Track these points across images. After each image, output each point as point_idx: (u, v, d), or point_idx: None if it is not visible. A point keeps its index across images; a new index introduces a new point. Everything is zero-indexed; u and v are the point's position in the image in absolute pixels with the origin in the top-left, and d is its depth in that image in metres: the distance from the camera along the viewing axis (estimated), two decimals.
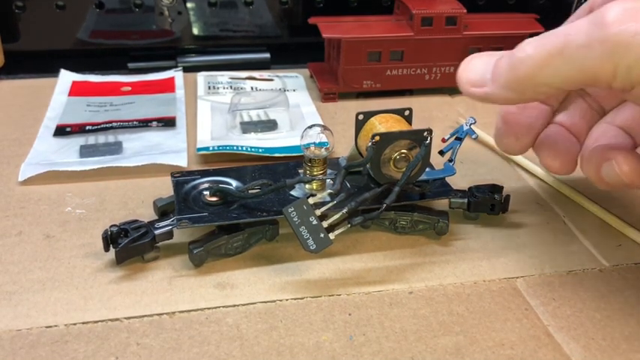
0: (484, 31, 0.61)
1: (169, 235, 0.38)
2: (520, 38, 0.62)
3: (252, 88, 0.62)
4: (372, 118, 0.40)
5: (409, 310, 0.35)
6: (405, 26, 0.60)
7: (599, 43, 0.27)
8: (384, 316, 0.34)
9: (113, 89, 0.60)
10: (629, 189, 0.37)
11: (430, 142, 0.38)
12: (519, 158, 0.50)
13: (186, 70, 0.65)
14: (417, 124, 0.41)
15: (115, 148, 0.50)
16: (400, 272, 0.38)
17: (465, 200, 0.42)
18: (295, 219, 0.35)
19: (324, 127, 0.41)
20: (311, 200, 0.36)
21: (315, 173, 0.41)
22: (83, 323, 0.33)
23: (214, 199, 0.39)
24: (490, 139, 0.53)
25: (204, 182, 0.41)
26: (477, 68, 0.33)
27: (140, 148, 0.50)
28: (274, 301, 0.35)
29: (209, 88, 0.61)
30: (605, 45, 0.26)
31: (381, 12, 0.65)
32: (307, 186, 0.41)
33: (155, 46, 0.70)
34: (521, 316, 0.35)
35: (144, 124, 0.54)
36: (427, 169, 0.40)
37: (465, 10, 0.59)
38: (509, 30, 0.62)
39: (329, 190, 0.37)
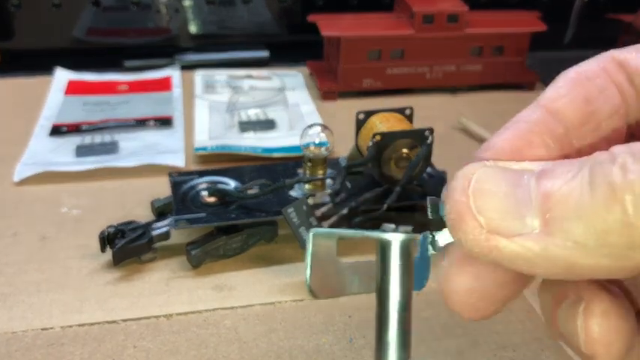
0: (486, 28, 0.61)
1: (167, 235, 0.38)
2: (522, 36, 0.63)
3: (250, 87, 0.61)
4: (373, 117, 0.40)
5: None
6: (406, 24, 0.59)
7: None
8: None
9: (109, 88, 0.60)
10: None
11: (431, 142, 0.38)
12: None
13: (183, 68, 0.64)
14: (418, 124, 0.40)
15: (111, 148, 0.49)
16: None
17: None
18: (295, 219, 0.35)
19: (324, 127, 0.40)
20: (311, 200, 0.36)
21: (314, 173, 0.40)
22: (79, 325, 0.33)
23: (212, 199, 0.39)
24: None
25: (202, 182, 0.41)
26: (497, 194, 0.16)
27: (137, 147, 0.50)
28: (273, 303, 0.35)
29: (207, 86, 0.61)
30: None
31: (381, 9, 0.64)
32: (307, 186, 0.40)
33: (152, 44, 0.70)
34: (524, 318, 0.34)
35: (140, 123, 0.53)
36: None
37: (467, 8, 0.59)
38: (511, 28, 0.61)
39: (329, 190, 0.37)
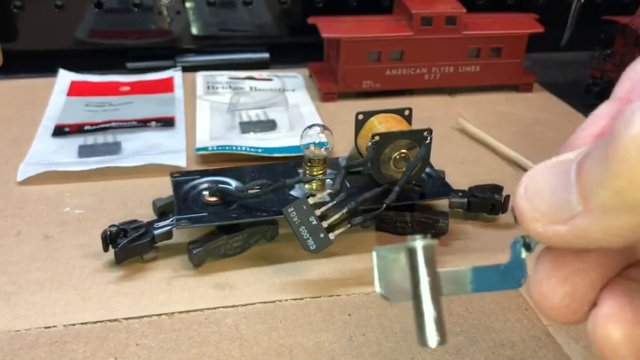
0: (484, 30, 0.61)
1: (168, 235, 0.38)
2: (520, 38, 0.63)
3: (251, 88, 0.62)
4: (372, 118, 0.40)
5: (409, 310, 0.35)
6: (405, 26, 0.60)
7: None
8: (383, 316, 0.34)
9: (112, 89, 0.60)
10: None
11: (430, 142, 0.38)
12: (519, 158, 0.50)
13: (185, 69, 0.65)
14: (416, 124, 0.41)
15: (114, 148, 0.50)
16: None
17: (465, 200, 0.42)
18: (295, 219, 0.35)
19: (324, 127, 0.41)
20: (311, 200, 0.36)
21: (314, 173, 0.40)
22: (82, 324, 0.33)
23: (214, 199, 0.39)
24: (490, 139, 0.52)
25: (203, 182, 0.41)
26: (546, 189, 0.17)
27: (139, 148, 0.50)
28: (274, 302, 0.35)
29: (208, 87, 0.61)
30: None
31: (380, 12, 0.65)
32: (307, 186, 0.41)
33: (154, 46, 0.70)
34: (522, 317, 0.35)
35: (143, 124, 0.53)
36: None
37: (465, 10, 0.59)
38: (509, 30, 0.61)
39: (329, 190, 0.37)
